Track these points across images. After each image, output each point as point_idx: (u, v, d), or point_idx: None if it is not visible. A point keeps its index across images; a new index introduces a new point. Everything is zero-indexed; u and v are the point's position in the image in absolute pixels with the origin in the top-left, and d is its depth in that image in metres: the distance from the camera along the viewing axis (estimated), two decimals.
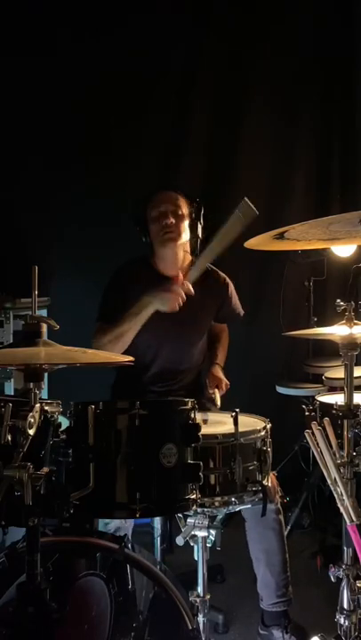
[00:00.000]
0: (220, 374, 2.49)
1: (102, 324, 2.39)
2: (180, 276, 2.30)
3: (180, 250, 2.42)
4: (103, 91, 3.44)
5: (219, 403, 2.38)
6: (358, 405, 1.70)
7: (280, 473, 2.22)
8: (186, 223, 2.42)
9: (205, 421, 2.02)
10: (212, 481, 1.71)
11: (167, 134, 3.63)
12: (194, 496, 1.53)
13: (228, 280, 2.61)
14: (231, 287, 2.62)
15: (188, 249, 2.46)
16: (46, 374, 1.55)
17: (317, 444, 1.60)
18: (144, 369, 2.46)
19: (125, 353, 2.24)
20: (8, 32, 3.31)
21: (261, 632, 2.28)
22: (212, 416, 2.13)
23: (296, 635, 2.21)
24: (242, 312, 2.67)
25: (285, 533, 2.30)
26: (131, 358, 1.52)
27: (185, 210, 2.42)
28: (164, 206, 2.39)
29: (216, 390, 2.41)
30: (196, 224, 2.45)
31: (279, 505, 2.23)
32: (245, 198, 2.05)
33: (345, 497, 1.59)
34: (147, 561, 1.58)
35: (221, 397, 2.42)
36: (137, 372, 2.41)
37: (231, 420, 1.73)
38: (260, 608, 2.28)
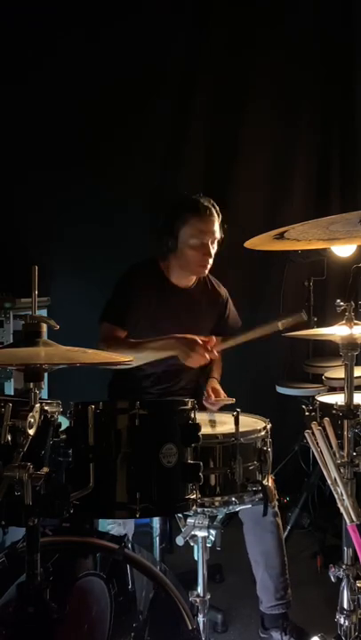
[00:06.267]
0: (219, 387, 2.48)
1: (107, 325, 2.38)
2: (214, 340, 2.26)
3: None
4: (103, 91, 3.44)
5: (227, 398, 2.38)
6: (358, 405, 1.70)
7: (280, 473, 2.23)
8: (215, 249, 2.41)
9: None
10: (213, 481, 1.71)
11: (167, 134, 3.63)
12: (194, 496, 1.53)
13: (227, 295, 2.63)
14: (230, 303, 2.63)
15: None
16: (46, 374, 1.55)
17: (317, 443, 1.60)
18: (143, 372, 2.45)
19: None
20: (8, 33, 3.32)
21: (262, 635, 2.28)
22: (212, 416, 2.13)
23: (295, 636, 2.21)
24: (239, 323, 2.67)
25: (285, 534, 2.31)
26: (131, 358, 1.52)
27: (219, 236, 2.39)
28: (207, 237, 2.34)
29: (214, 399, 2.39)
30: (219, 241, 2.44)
31: (276, 508, 2.24)
32: (303, 311, 2.13)
33: (345, 497, 1.59)
34: (147, 561, 1.58)
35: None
36: (135, 373, 2.41)
37: (231, 419, 1.73)
38: (259, 611, 2.29)
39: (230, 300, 2.64)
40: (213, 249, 2.38)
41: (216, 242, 2.39)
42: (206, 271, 2.43)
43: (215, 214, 2.37)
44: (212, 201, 2.40)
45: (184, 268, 2.43)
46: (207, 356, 2.20)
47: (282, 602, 2.23)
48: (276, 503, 2.23)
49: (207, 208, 2.36)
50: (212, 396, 2.40)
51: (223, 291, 2.62)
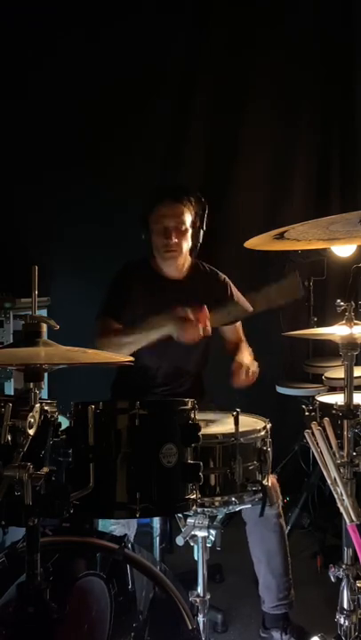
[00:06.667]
0: (244, 360, 2.38)
1: (105, 321, 2.39)
2: (206, 311, 2.23)
3: (181, 259, 2.44)
4: (103, 91, 3.44)
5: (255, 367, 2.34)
6: (358, 405, 1.70)
7: (280, 473, 2.22)
8: (188, 235, 2.39)
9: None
10: (212, 481, 1.71)
11: (167, 134, 3.63)
12: (194, 496, 1.53)
13: (227, 279, 2.61)
14: (231, 285, 2.61)
15: (189, 253, 2.47)
16: (46, 374, 1.55)
17: (317, 443, 1.60)
18: (145, 370, 2.45)
19: None
20: (8, 33, 3.32)
21: (263, 635, 2.28)
22: (212, 416, 2.13)
23: (295, 635, 2.21)
24: (250, 308, 2.65)
25: (286, 534, 2.30)
26: (131, 358, 1.52)
27: (188, 222, 2.37)
28: (167, 221, 2.34)
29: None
30: (199, 231, 2.43)
31: (280, 509, 2.22)
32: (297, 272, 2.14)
33: (345, 497, 1.59)
34: (147, 561, 1.58)
35: (223, 397, 2.41)
36: (138, 373, 2.40)
37: (231, 419, 1.73)
38: (261, 611, 2.28)
39: (232, 285, 2.60)
40: (183, 234, 2.36)
41: (185, 227, 2.36)
42: (180, 258, 2.39)
43: (181, 200, 2.35)
44: (183, 194, 2.38)
45: (158, 259, 2.43)
46: (200, 329, 2.18)
47: (284, 602, 2.23)
48: (280, 504, 2.22)
49: (170, 193, 2.36)
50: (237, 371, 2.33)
51: (221, 275, 2.60)
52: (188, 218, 2.38)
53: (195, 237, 2.44)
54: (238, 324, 2.61)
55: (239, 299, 2.61)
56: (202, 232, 2.45)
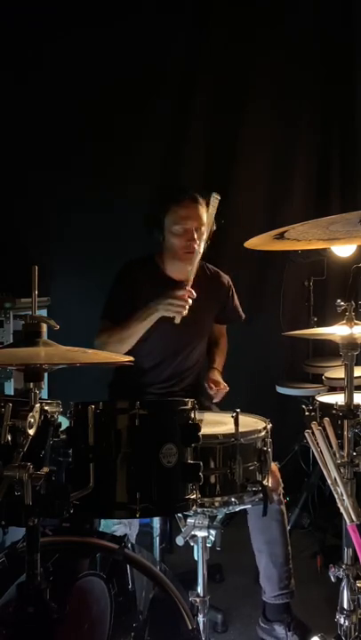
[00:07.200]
0: (219, 378, 2.47)
1: (106, 322, 2.40)
2: (187, 281, 2.26)
3: (197, 261, 2.44)
4: (103, 91, 3.44)
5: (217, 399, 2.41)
6: (358, 405, 1.70)
7: (280, 473, 2.22)
8: (205, 237, 2.40)
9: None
10: (213, 481, 1.71)
11: (167, 134, 3.63)
12: (194, 496, 1.53)
13: (230, 282, 2.62)
14: (233, 292, 2.63)
15: None
16: (46, 374, 1.55)
17: (317, 443, 1.60)
18: (144, 370, 2.45)
19: (126, 353, 2.24)
20: (8, 33, 3.31)
21: (263, 625, 2.27)
22: (212, 416, 2.13)
23: (298, 633, 2.20)
24: (243, 315, 2.67)
25: (286, 521, 2.30)
26: (131, 358, 1.52)
27: (206, 223, 2.39)
28: (190, 223, 2.34)
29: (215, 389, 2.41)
30: (211, 230, 2.43)
31: (281, 496, 2.23)
32: (214, 194, 2.24)
33: (345, 497, 1.59)
34: (147, 561, 1.58)
35: (222, 399, 2.42)
36: (136, 372, 2.41)
37: (231, 420, 1.73)
38: (261, 601, 2.28)
39: (233, 288, 2.62)
40: (201, 235, 2.37)
41: (204, 228, 2.37)
42: (196, 259, 2.38)
43: (198, 201, 2.37)
44: (196, 194, 2.41)
45: (174, 259, 2.43)
46: (187, 298, 2.21)
47: (285, 591, 2.23)
48: (282, 491, 2.23)
49: (187, 195, 2.37)
50: (213, 387, 2.40)
51: (225, 278, 2.61)
52: (205, 217, 2.39)
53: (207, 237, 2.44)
54: None
55: (237, 304, 2.62)
56: (211, 232, 2.43)
